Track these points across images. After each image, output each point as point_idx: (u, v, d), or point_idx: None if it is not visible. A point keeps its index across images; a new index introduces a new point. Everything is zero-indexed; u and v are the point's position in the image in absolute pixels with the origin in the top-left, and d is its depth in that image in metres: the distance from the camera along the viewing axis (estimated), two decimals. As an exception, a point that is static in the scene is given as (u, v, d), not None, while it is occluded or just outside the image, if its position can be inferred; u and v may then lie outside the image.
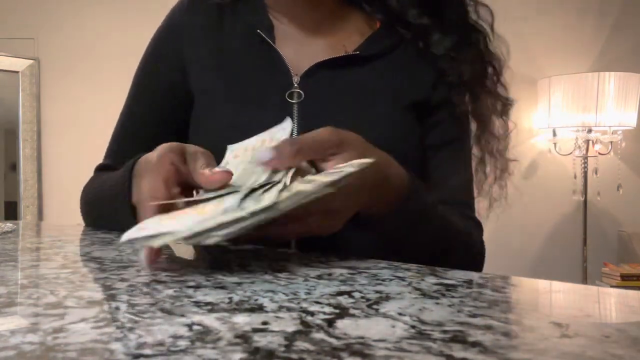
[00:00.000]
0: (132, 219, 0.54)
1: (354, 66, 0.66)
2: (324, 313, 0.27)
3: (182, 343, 0.22)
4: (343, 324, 0.25)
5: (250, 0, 0.70)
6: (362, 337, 0.23)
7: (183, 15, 0.71)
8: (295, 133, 0.62)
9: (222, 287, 0.33)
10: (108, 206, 0.59)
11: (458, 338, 0.24)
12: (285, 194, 0.38)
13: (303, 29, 0.69)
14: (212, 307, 0.28)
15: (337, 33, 0.70)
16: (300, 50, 0.68)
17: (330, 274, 0.39)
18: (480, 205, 0.69)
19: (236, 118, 0.64)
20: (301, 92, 0.64)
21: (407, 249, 0.55)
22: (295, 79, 0.65)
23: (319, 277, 0.37)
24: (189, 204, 0.42)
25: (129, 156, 0.58)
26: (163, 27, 0.74)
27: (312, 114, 0.63)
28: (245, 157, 0.49)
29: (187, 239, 0.36)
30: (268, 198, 0.38)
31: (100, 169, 0.75)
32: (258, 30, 0.66)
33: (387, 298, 0.31)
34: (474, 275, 0.39)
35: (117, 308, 0.27)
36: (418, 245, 0.56)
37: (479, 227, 0.68)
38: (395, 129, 0.65)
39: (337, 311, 0.28)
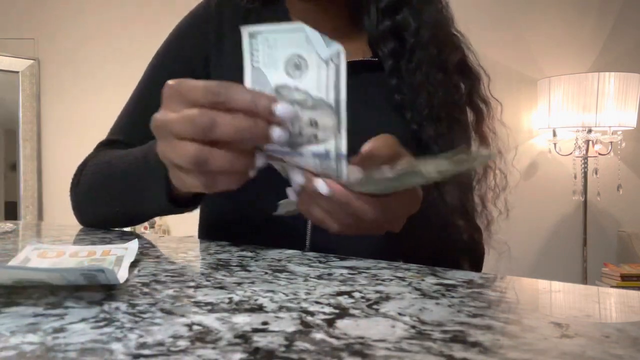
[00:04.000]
0: (165, 195, 0.53)
1: (370, 70, 0.68)
2: (324, 313, 0.27)
3: (182, 343, 0.22)
4: (343, 324, 0.25)
5: (273, 7, 0.72)
6: (362, 337, 0.23)
7: (211, 11, 0.73)
8: None
9: (222, 287, 0.33)
10: (135, 180, 0.57)
11: (458, 338, 0.23)
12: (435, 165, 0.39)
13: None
14: (212, 307, 0.28)
15: (352, 40, 0.72)
16: None
17: (330, 274, 0.39)
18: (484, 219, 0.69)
19: None
20: None
21: (412, 252, 0.57)
22: None
23: (319, 277, 0.37)
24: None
25: (144, 131, 0.52)
26: (189, 18, 0.75)
27: None
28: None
29: None
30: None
31: (105, 144, 0.72)
32: None
33: (387, 298, 0.31)
34: (474, 275, 0.39)
35: (117, 308, 0.27)
36: (422, 247, 0.58)
37: (478, 230, 0.68)
38: (405, 130, 0.66)
39: (337, 311, 0.28)
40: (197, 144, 0.38)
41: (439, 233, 0.60)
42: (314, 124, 0.39)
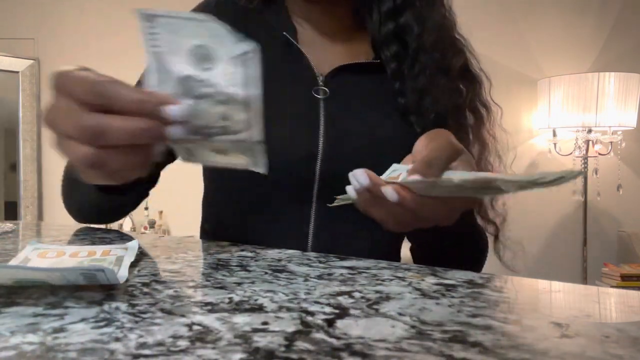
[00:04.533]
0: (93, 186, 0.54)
1: (373, 72, 0.68)
2: (324, 313, 0.27)
3: (182, 343, 0.22)
4: (343, 324, 0.25)
5: (274, 6, 0.72)
6: (362, 337, 0.23)
7: (209, 11, 0.72)
8: (322, 128, 0.64)
9: (222, 287, 0.33)
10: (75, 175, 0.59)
11: (458, 338, 0.23)
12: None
13: (323, 35, 0.72)
14: (212, 307, 0.28)
15: (355, 41, 0.72)
16: (321, 53, 0.70)
17: (330, 274, 0.39)
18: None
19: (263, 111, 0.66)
20: (326, 89, 0.66)
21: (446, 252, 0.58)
22: (320, 78, 0.66)
23: (319, 277, 0.37)
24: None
25: None
26: None
27: (338, 110, 0.66)
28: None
29: None
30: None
31: None
32: (284, 33, 0.68)
33: (387, 298, 0.31)
34: (474, 275, 0.39)
35: (117, 308, 0.27)
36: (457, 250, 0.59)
37: (483, 231, 0.69)
38: (409, 130, 0.66)
39: (337, 311, 0.28)
40: (87, 146, 0.35)
41: (468, 232, 0.61)
42: (225, 117, 0.38)
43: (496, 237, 0.67)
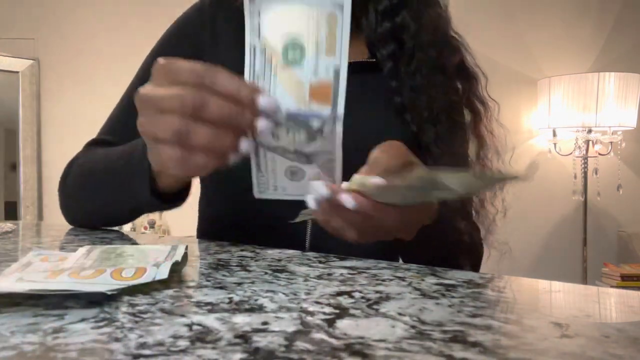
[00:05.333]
0: (148, 187, 0.54)
1: (367, 72, 0.68)
2: (324, 313, 0.27)
3: (182, 343, 0.22)
4: (343, 324, 0.25)
5: None
6: (362, 337, 0.23)
7: (204, 13, 0.72)
8: None
9: (222, 287, 0.33)
10: (119, 174, 0.58)
11: (458, 338, 0.24)
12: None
13: None
14: (212, 307, 0.28)
15: (352, 41, 0.72)
16: None
17: (330, 274, 0.39)
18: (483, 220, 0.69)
19: None
20: None
21: (414, 255, 0.58)
22: None
23: (319, 277, 0.37)
24: None
25: (133, 132, 0.57)
26: (181, 21, 0.74)
27: None
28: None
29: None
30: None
31: (94, 143, 0.72)
32: None
33: (387, 298, 0.31)
34: (474, 275, 0.39)
35: (117, 308, 0.27)
36: (425, 252, 0.58)
37: (478, 230, 0.68)
38: (404, 132, 0.66)
39: (337, 311, 0.28)
40: (181, 117, 0.38)
41: (441, 235, 0.60)
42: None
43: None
